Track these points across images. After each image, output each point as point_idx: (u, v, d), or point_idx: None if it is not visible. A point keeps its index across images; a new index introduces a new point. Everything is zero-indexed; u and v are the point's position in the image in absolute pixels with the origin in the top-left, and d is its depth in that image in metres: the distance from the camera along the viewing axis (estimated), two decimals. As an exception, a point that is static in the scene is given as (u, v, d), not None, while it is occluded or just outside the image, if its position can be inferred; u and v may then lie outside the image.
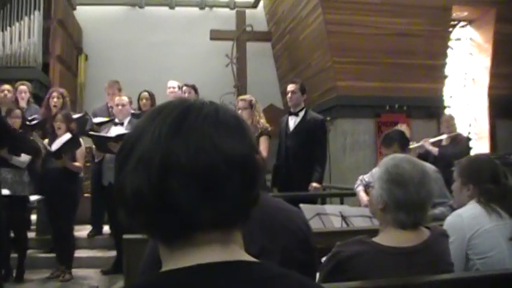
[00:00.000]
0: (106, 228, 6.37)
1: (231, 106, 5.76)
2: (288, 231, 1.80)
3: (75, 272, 5.55)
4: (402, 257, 2.04)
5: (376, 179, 2.15)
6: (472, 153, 8.63)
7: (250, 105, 5.29)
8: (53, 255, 5.72)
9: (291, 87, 5.41)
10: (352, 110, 9.98)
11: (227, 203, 0.87)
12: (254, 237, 1.68)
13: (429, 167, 4.02)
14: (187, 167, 0.84)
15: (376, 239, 2.12)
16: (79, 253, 5.76)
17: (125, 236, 3.00)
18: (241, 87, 11.33)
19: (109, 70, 11.19)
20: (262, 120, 5.32)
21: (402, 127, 10.16)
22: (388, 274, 2.00)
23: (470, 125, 11.02)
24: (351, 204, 6.60)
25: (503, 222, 2.42)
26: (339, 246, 2.13)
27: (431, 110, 10.20)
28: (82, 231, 6.27)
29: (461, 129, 10.39)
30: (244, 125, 0.94)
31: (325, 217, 3.83)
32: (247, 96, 5.45)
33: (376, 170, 4.38)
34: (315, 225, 3.89)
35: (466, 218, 2.47)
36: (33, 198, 4.36)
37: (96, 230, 6.40)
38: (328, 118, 10.12)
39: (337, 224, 3.77)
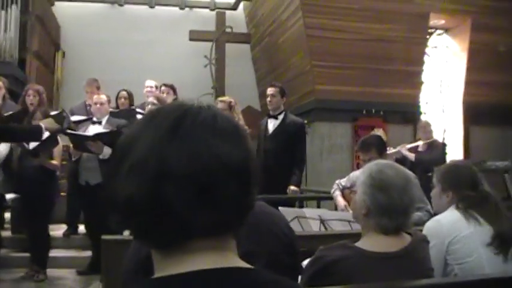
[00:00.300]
0: (82, 228, 6.30)
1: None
2: (273, 235, 1.81)
3: (50, 272, 5.48)
4: (385, 262, 2.07)
5: (359, 184, 2.17)
6: (448, 159, 8.76)
7: (230, 107, 5.27)
8: (27, 254, 5.64)
9: (270, 90, 5.42)
10: (329, 113, 10.05)
11: (223, 209, 0.86)
12: (240, 241, 1.68)
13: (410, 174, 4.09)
14: (183, 173, 0.83)
15: (359, 244, 2.14)
16: (54, 253, 5.68)
17: (104, 237, 2.97)
18: (219, 89, 11.32)
19: (87, 68, 11.07)
20: (241, 122, 5.31)
21: (379, 132, 10.27)
22: (371, 279, 2.02)
23: (444, 131, 11.16)
24: (327, 208, 6.66)
25: (481, 228, 2.47)
26: (322, 250, 2.15)
27: (407, 115, 10.32)
28: (57, 230, 6.19)
29: (437, 135, 10.57)
30: (242, 131, 0.94)
31: (304, 220, 3.85)
32: (226, 98, 5.44)
33: (353, 175, 4.46)
34: (294, 228, 3.88)
35: (445, 224, 2.51)
36: (9, 196, 4.29)
37: (72, 230, 6.33)
38: (305, 121, 10.15)
39: (315, 227, 3.78)
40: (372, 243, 2.12)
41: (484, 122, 10.54)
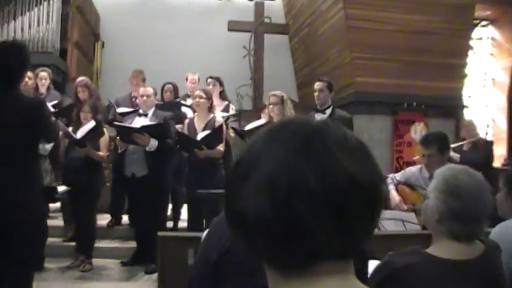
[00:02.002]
0: (125, 219, 6.35)
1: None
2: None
3: (95, 262, 5.54)
4: (457, 270, 2.00)
5: (431, 189, 2.11)
6: (495, 157, 8.57)
7: (282, 101, 5.25)
8: (72, 244, 5.72)
9: (318, 85, 5.35)
10: (369, 106, 9.91)
11: (354, 231, 0.83)
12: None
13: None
14: (315, 192, 0.80)
15: (429, 250, 2.08)
16: (98, 243, 5.73)
17: (160, 233, 2.98)
18: (257, 80, 11.29)
19: (125, 58, 11.15)
20: None
21: (419, 126, 10.14)
22: (442, 287, 1.96)
23: (488, 126, 10.92)
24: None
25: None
26: (391, 256, 2.09)
27: (449, 109, 10.12)
28: (101, 220, 6.24)
29: (481, 132, 10.35)
30: (368, 148, 0.90)
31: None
32: (278, 92, 5.39)
33: (409, 170, 4.37)
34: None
35: (513, 231, 2.43)
36: (61, 189, 4.34)
37: (115, 220, 6.39)
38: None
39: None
40: (444, 249, 2.05)
41: (529, 117, 10.30)
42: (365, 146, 0.89)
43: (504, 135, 10.64)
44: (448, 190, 2.03)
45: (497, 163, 10.58)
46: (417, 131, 10.17)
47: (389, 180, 4.28)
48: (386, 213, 3.82)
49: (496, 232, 2.49)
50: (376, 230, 3.00)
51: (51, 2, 9.21)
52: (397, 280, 2.01)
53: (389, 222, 3.69)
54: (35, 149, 3.28)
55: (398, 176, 4.29)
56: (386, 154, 10.05)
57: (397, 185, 4.25)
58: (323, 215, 0.80)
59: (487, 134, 10.86)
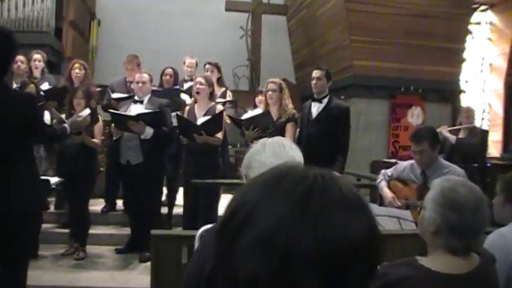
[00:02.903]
0: (119, 204, 6.33)
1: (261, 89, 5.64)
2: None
3: (89, 248, 5.52)
4: (453, 284, 1.99)
5: (428, 201, 2.08)
6: (490, 143, 8.58)
7: (280, 88, 5.20)
8: (66, 230, 5.70)
9: (316, 73, 5.29)
10: (367, 90, 9.88)
11: None
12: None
13: (460, 170, 3.96)
14: (315, 254, 0.78)
15: (424, 263, 2.06)
16: (93, 229, 5.70)
17: (153, 232, 2.95)
18: (254, 61, 11.21)
19: (122, 37, 11.07)
20: (290, 105, 5.23)
21: (416, 110, 10.11)
22: (437, 301, 1.95)
23: (484, 112, 10.90)
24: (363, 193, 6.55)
25: (550, 245, 2.36)
26: (386, 267, 2.07)
27: (446, 93, 10.09)
28: (95, 205, 6.22)
29: (477, 117, 10.33)
30: (364, 199, 0.88)
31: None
32: (277, 79, 5.35)
33: (400, 165, 4.34)
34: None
35: (511, 239, 2.41)
36: (54, 181, 4.30)
37: (110, 207, 6.37)
38: (342, 97, 10.03)
39: (363, 222, 3.70)
40: (439, 263, 2.04)
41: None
42: (360, 199, 0.87)
43: (500, 120, 10.62)
44: (446, 203, 2.00)
45: (493, 149, 10.60)
46: (414, 115, 10.16)
47: (380, 177, 4.25)
48: (381, 210, 3.81)
49: (494, 240, 2.46)
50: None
51: (45, -20, 9.07)
52: (392, 292, 2.00)
53: (385, 219, 3.67)
54: (27, 143, 3.21)
55: (390, 171, 4.25)
56: (383, 138, 10.06)
57: (389, 181, 4.22)
58: (320, 278, 0.78)
59: (483, 119, 10.85)
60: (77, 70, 5.95)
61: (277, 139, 1.96)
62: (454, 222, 1.98)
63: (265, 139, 1.97)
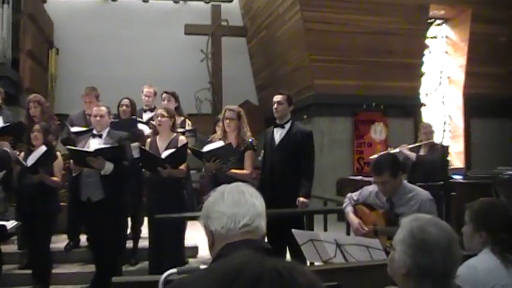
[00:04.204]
0: (83, 239, 6.14)
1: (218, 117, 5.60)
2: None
3: (53, 289, 5.34)
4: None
5: (398, 242, 2.02)
6: (449, 160, 8.70)
7: (238, 116, 5.11)
8: (28, 271, 5.50)
9: (277, 98, 5.24)
10: (329, 108, 9.95)
11: None
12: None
13: (425, 193, 3.94)
14: None
15: (396, 306, 2.01)
16: (56, 268, 5.52)
17: (114, 279, 2.83)
18: (216, 83, 11.17)
19: (81, 65, 10.93)
20: (249, 133, 5.15)
21: (379, 126, 10.20)
22: None
23: (445, 123, 11.07)
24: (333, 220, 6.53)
25: (522, 276, 2.33)
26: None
27: (407, 108, 10.24)
28: (58, 243, 6.02)
29: (436, 128, 10.47)
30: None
31: (319, 244, 3.70)
32: (235, 107, 5.25)
33: (366, 189, 4.29)
34: (309, 252, 3.76)
35: (482, 271, 2.36)
36: (10, 225, 4.13)
37: (74, 243, 6.18)
38: (305, 116, 10.07)
39: (331, 252, 3.63)
40: (412, 305, 1.99)
41: (484, 114, 10.47)
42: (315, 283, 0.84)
43: (461, 132, 10.81)
44: (416, 245, 1.94)
45: (456, 160, 10.76)
46: (377, 131, 10.25)
47: (346, 201, 4.18)
48: (350, 239, 3.75)
49: (465, 273, 2.38)
50: (341, 259, 2.88)
51: (0, 10, 8.86)
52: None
53: (354, 248, 3.61)
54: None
55: (355, 196, 4.18)
56: (348, 155, 10.12)
57: (354, 205, 4.16)
58: None
59: (444, 131, 11.02)
60: (32, 109, 5.77)
61: (236, 186, 1.88)
62: (426, 264, 1.92)
63: (224, 186, 1.88)
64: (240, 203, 1.78)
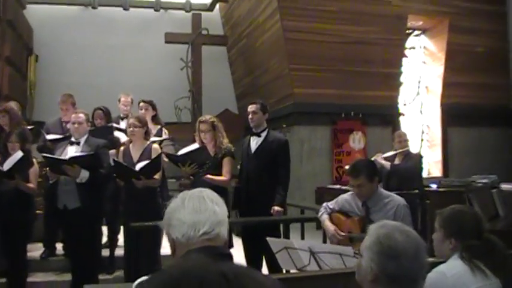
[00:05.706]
0: (59, 248, 6.09)
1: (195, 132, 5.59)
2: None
3: (28, 298, 5.28)
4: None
5: (364, 248, 2.05)
6: (424, 170, 8.79)
7: (213, 127, 5.09)
8: (3, 280, 5.43)
9: (251, 107, 5.25)
10: (308, 117, 10.00)
11: None
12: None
13: (400, 199, 3.98)
14: None
15: (364, 312, 2.03)
16: (32, 277, 5.46)
17: (87, 287, 2.83)
18: (196, 92, 11.17)
19: (61, 72, 10.86)
20: (226, 141, 5.14)
21: (358, 135, 10.27)
22: None
23: (423, 133, 11.18)
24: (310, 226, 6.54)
25: (489, 282, 2.36)
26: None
27: (386, 117, 10.33)
28: (34, 251, 5.96)
29: (414, 137, 10.59)
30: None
31: (294, 252, 3.72)
32: (207, 118, 5.21)
33: (341, 198, 4.33)
34: (283, 260, 3.78)
35: (451, 278, 2.39)
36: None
37: (50, 251, 6.12)
38: (284, 125, 10.12)
39: (305, 259, 3.66)
40: (379, 312, 2.01)
41: (462, 123, 10.62)
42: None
43: (439, 141, 10.92)
44: (382, 251, 1.97)
45: (434, 169, 10.87)
46: (356, 139, 10.32)
47: (322, 209, 4.21)
48: (323, 247, 3.78)
49: (434, 279, 2.41)
50: (315, 266, 2.90)
51: (-22, 17, 8.81)
52: None
53: (328, 256, 3.63)
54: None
55: (331, 204, 4.22)
56: (327, 164, 10.17)
57: (330, 214, 4.19)
58: None
59: (422, 140, 11.13)
60: (0, 120, 5.67)
61: (198, 192, 1.88)
62: (392, 270, 1.95)
63: (185, 192, 1.89)
64: (200, 210, 1.78)
